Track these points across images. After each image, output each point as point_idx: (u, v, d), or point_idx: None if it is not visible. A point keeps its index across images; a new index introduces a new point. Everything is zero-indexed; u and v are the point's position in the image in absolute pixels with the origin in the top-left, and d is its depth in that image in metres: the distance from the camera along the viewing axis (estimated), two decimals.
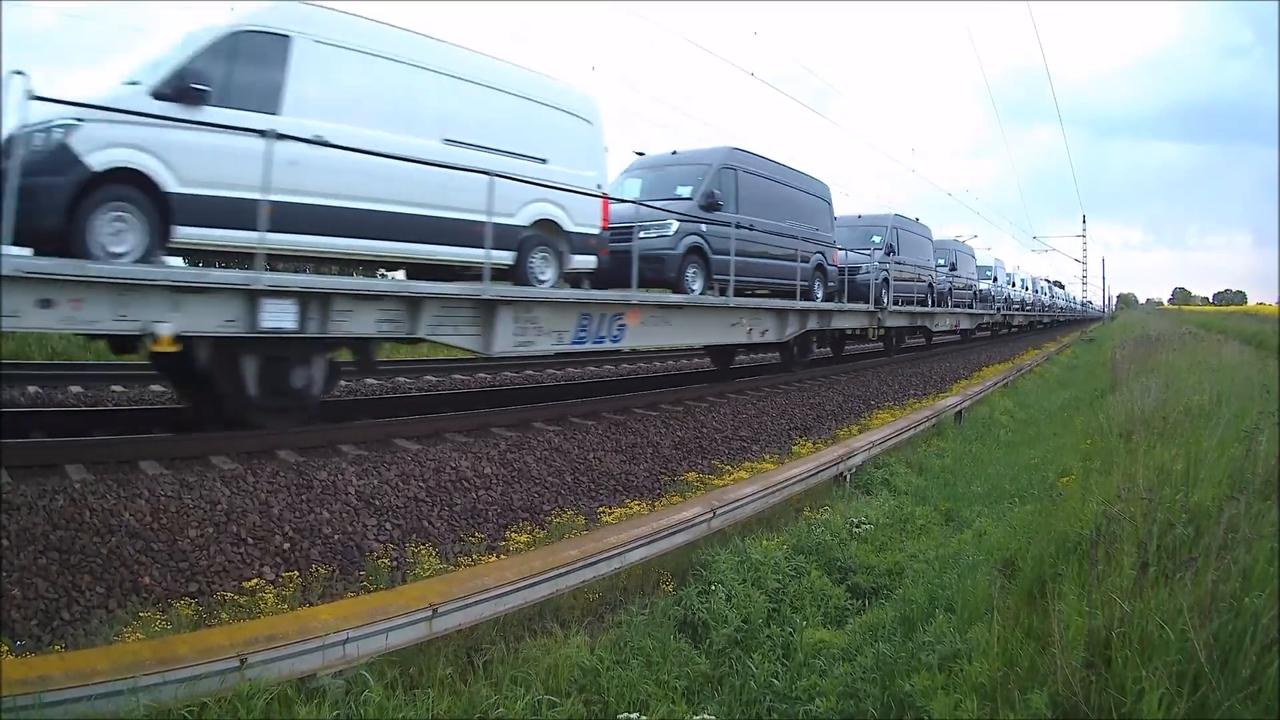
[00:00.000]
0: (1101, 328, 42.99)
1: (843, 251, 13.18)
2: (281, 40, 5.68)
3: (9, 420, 6.00)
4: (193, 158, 5.14)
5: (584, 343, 7.74)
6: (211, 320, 5.01)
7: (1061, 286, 53.04)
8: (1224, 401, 6.39)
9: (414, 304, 6.11)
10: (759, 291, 10.87)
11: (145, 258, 4.96)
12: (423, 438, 6.53)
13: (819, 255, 12.05)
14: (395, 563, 4.61)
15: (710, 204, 9.59)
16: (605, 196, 8.27)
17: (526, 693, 3.10)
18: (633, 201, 9.14)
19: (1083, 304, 60.84)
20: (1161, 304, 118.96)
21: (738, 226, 9.73)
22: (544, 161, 7.48)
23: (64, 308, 4.41)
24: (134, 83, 5.14)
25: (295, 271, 6.12)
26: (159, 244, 5.07)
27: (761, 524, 5.33)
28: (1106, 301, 76.02)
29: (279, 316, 5.25)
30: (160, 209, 5.04)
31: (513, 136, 7.17)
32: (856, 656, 3.48)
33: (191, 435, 5.88)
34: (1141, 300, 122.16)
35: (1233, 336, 19.39)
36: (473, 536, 5.12)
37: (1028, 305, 33.35)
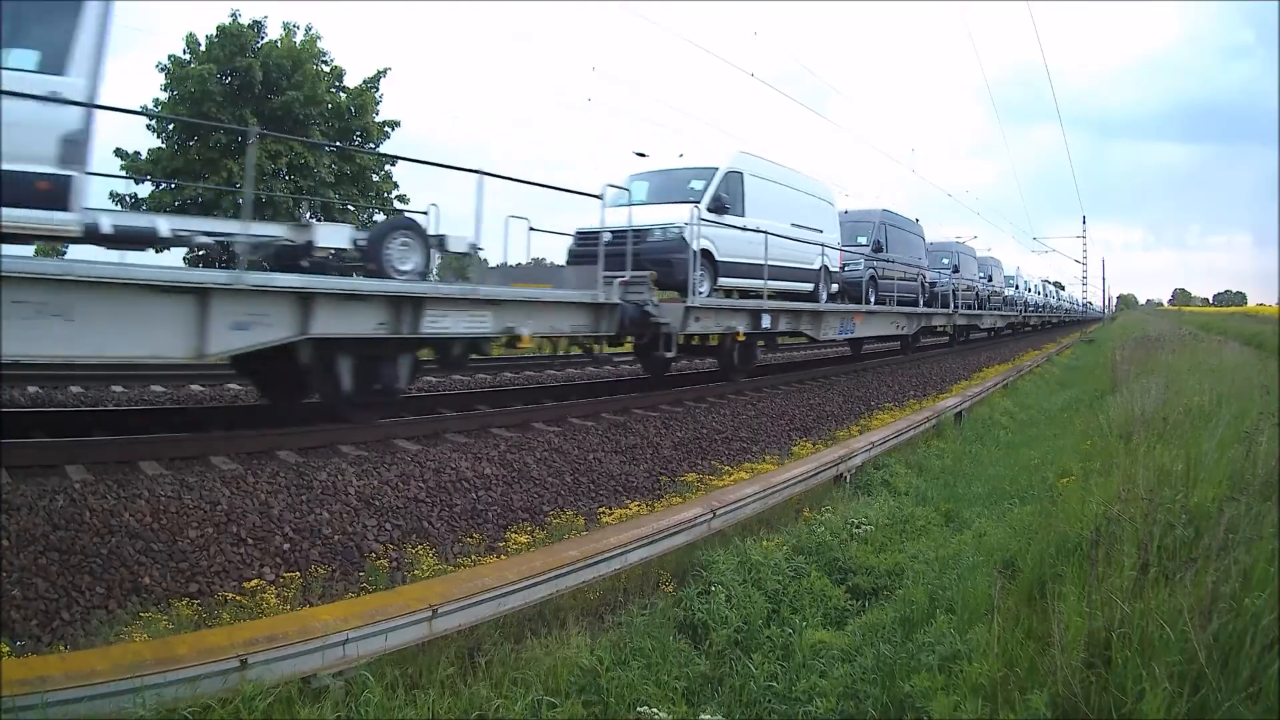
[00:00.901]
0: (1101, 328, 43.01)
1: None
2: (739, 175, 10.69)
3: (9, 420, 6.01)
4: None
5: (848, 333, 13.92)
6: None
7: (1061, 287, 53.13)
8: (1224, 402, 6.39)
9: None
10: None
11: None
12: (423, 438, 6.53)
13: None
14: (395, 563, 4.61)
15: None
16: (841, 248, 13.73)
17: (526, 693, 3.09)
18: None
19: (1083, 305, 60.87)
20: (1161, 305, 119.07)
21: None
22: (820, 231, 12.69)
23: None
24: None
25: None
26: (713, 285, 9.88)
27: (761, 524, 5.33)
28: (1106, 302, 76.06)
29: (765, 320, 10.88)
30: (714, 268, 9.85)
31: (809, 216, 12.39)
32: (856, 657, 3.48)
33: (191, 435, 5.90)
34: (1141, 301, 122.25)
35: (1233, 337, 19.40)
36: (472, 537, 5.12)
37: (1039, 308, 37.30)
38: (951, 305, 19.99)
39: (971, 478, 7.21)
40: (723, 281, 10.26)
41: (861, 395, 12.12)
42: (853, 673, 3.34)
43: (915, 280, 17.45)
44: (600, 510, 5.70)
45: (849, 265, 14.40)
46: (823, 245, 12.69)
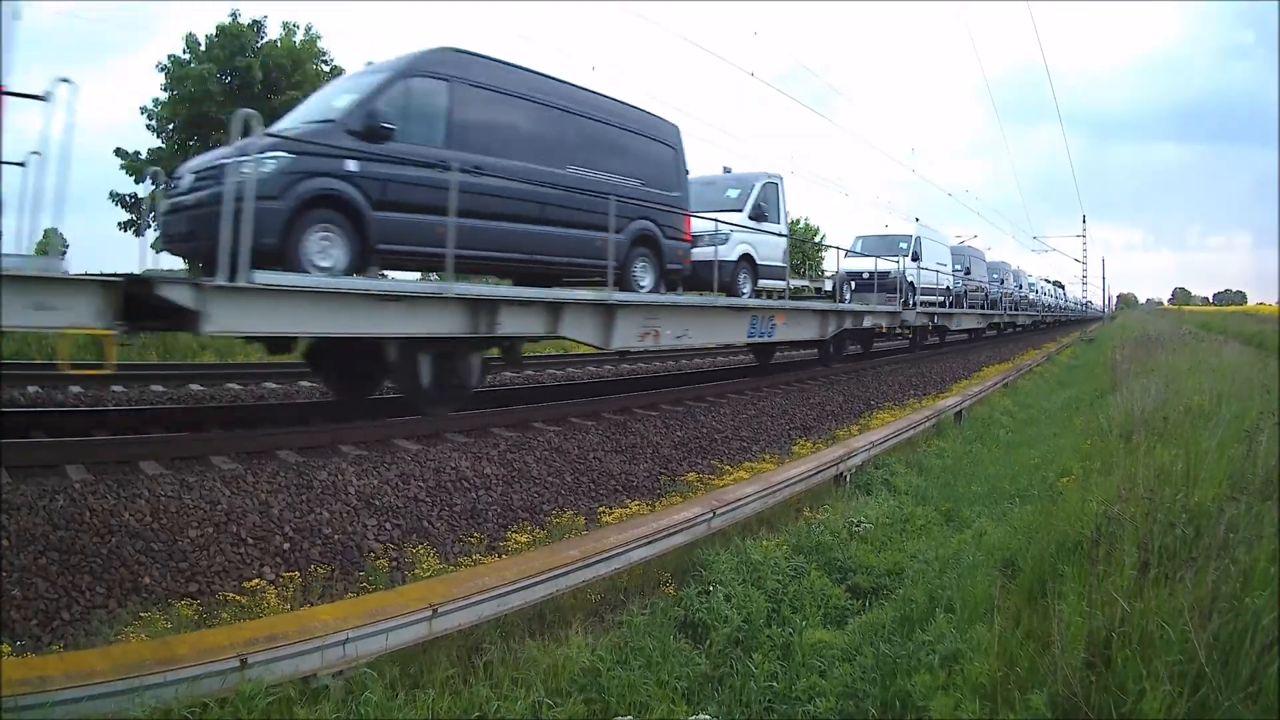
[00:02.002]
0: (1101, 328, 42.99)
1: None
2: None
3: (9, 420, 6.00)
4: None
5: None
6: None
7: (1062, 287, 53.15)
8: (1224, 402, 6.39)
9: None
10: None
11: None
12: (423, 438, 6.53)
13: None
14: (395, 563, 4.61)
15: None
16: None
17: (527, 693, 3.09)
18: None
19: (1083, 304, 60.86)
20: (1161, 304, 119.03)
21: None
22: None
23: None
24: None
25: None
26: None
27: (761, 524, 5.33)
28: (1106, 302, 76.04)
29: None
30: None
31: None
32: (856, 656, 3.48)
33: (191, 435, 5.90)
34: (1141, 300, 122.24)
35: (1233, 337, 19.40)
36: (473, 537, 5.12)
37: (1045, 308, 39.80)
38: (1001, 307, 26.92)
39: (971, 477, 7.20)
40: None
41: (862, 394, 12.12)
42: (853, 672, 3.33)
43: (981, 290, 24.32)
44: (600, 510, 5.70)
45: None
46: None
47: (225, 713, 2.62)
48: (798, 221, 32.22)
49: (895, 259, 15.59)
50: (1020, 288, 31.80)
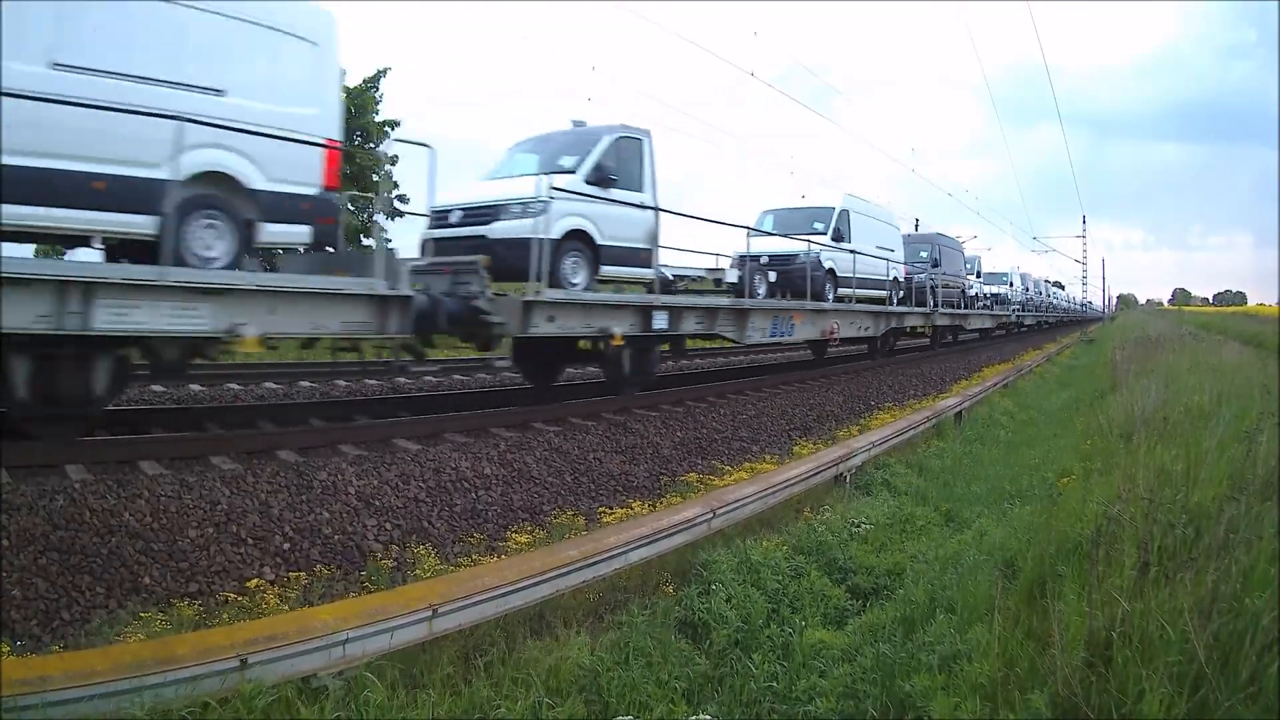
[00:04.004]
0: (1101, 328, 42.99)
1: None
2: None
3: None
4: None
5: None
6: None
7: (1061, 287, 53.14)
8: (1224, 402, 6.39)
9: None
10: None
11: None
12: (423, 438, 6.53)
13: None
14: (395, 563, 4.61)
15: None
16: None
17: (527, 693, 3.09)
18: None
19: (1083, 304, 60.84)
20: (1161, 304, 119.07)
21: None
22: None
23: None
24: None
25: None
26: None
27: (762, 524, 5.33)
28: (1106, 302, 76.02)
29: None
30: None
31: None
32: (856, 657, 3.48)
33: (191, 435, 5.90)
34: (1141, 300, 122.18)
35: (1233, 337, 19.41)
36: (473, 537, 5.12)
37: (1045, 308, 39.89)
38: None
39: (971, 477, 7.20)
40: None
41: (862, 395, 12.11)
42: (852, 672, 3.33)
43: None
44: (600, 510, 5.70)
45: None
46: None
47: (225, 713, 2.62)
48: None
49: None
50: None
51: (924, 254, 18.97)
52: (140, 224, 5.23)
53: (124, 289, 4.75)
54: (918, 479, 7.13)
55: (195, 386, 8.70)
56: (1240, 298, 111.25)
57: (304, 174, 6.00)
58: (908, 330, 17.81)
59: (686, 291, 10.25)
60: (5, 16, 4.66)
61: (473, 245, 7.22)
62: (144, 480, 4.76)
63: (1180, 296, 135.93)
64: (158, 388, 8.43)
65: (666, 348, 9.89)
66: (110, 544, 4.15)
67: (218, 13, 5.57)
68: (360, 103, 21.44)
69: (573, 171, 8.08)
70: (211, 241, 5.55)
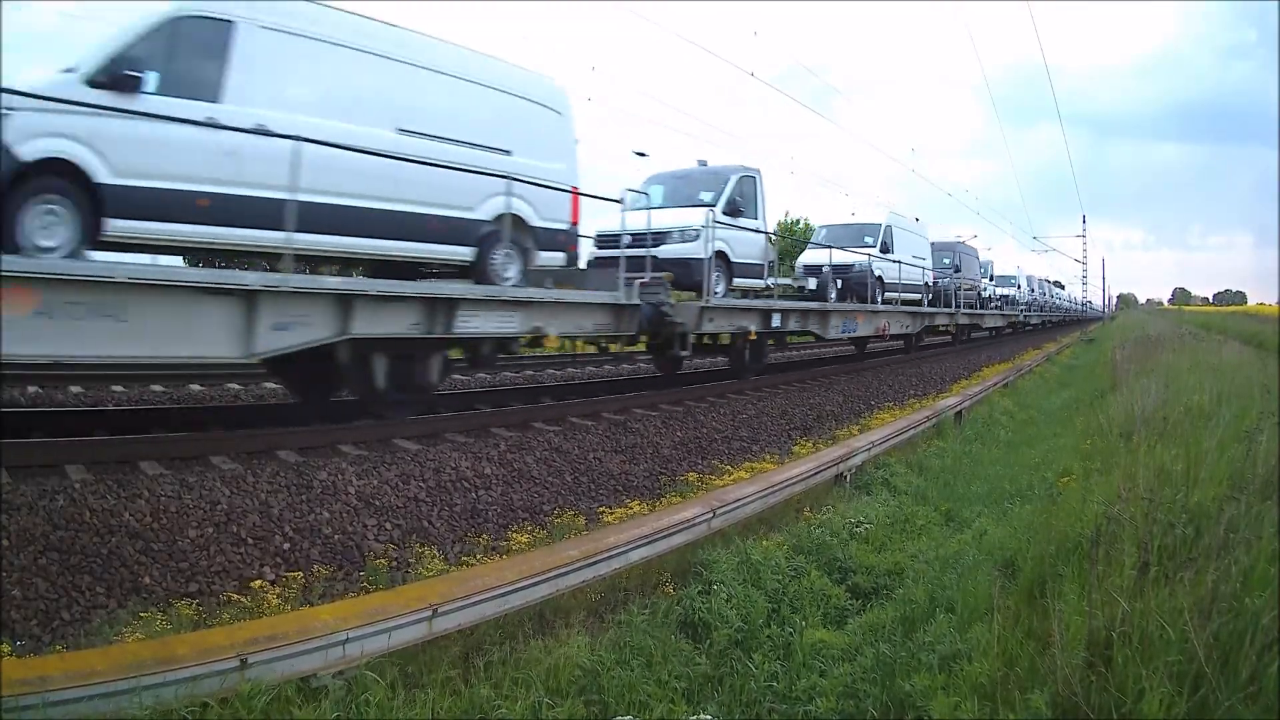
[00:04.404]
0: (1101, 328, 43.00)
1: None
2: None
3: (9, 420, 6.00)
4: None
5: None
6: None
7: (1061, 287, 53.17)
8: (1224, 402, 6.39)
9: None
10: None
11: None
12: (423, 438, 6.53)
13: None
14: (395, 563, 4.60)
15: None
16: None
17: (527, 693, 3.09)
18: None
19: (1083, 304, 60.84)
20: (1161, 304, 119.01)
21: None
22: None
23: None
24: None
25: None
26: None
27: (762, 524, 5.33)
28: (1106, 302, 75.99)
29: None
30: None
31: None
32: (856, 657, 3.48)
33: (191, 435, 5.90)
34: (1141, 300, 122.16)
35: (1233, 337, 19.40)
36: (473, 537, 5.12)
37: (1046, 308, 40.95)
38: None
39: (971, 477, 7.20)
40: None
41: (861, 395, 12.11)
42: (853, 672, 3.34)
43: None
44: (600, 510, 5.70)
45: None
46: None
47: (225, 713, 2.62)
48: (797, 221, 32.11)
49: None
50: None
51: (946, 260, 20.92)
52: (462, 253, 6.93)
53: (474, 303, 6.46)
54: (918, 479, 7.13)
55: (195, 386, 8.71)
56: (1240, 297, 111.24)
57: (560, 213, 7.74)
58: (937, 328, 20.04)
59: (783, 297, 12.38)
60: (365, 95, 6.26)
61: (642, 263, 8.58)
62: (144, 480, 4.75)
63: (1180, 296, 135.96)
64: (158, 388, 8.44)
65: (771, 341, 11.99)
66: (110, 544, 4.15)
67: (504, 90, 7.28)
68: None
69: (713, 205, 10.22)
70: (509, 266, 7.26)
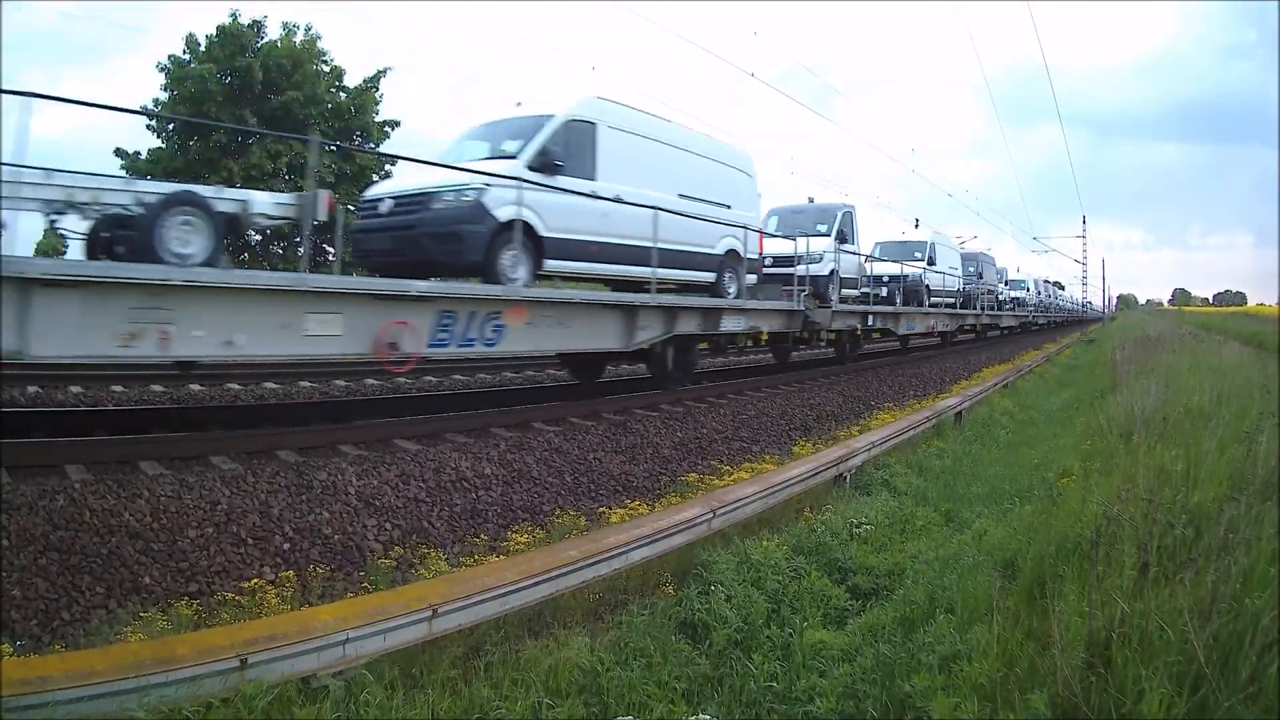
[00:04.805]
0: (1101, 328, 43.01)
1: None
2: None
3: (9, 420, 6.00)
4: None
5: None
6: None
7: (1061, 287, 53.21)
8: (1224, 402, 6.39)
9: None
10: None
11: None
12: (423, 438, 6.53)
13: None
14: (395, 563, 4.60)
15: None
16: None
17: (527, 694, 3.09)
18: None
19: (1083, 305, 60.85)
20: (1161, 305, 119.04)
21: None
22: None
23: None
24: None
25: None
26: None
27: (762, 524, 5.32)
28: (1106, 302, 75.98)
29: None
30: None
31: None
32: (856, 657, 3.48)
33: (191, 435, 5.90)
34: (1141, 301, 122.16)
35: (1233, 337, 19.40)
36: (473, 537, 5.12)
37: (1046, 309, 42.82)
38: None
39: (971, 477, 7.20)
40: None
41: (861, 395, 12.11)
42: (852, 672, 3.33)
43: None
44: (600, 510, 5.70)
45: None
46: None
47: (226, 713, 2.62)
48: None
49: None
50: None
51: (970, 269, 24.12)
52: (708, 277, 9.74)
53: (726, 311, 9.56)
54: (918, 479, 7.13)
55: (195, 387, 8.71)
56: (1240, 298, 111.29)
57: (753, 247, 10.59)
58: (965, 326, 23.61)
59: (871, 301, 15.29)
60: (662, 171, 8.99)
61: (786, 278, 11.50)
62: (144, 480, 4.76)
63: (1180, 296, 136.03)
64: (158, 388, 8.44)
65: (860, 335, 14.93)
66: (110, 544, 4.15)
67: (723, 161, 10.23)
68: (360, 102, 21.44)
69: (827, 235, 13.86)
70: (731, 284, 10.10)
